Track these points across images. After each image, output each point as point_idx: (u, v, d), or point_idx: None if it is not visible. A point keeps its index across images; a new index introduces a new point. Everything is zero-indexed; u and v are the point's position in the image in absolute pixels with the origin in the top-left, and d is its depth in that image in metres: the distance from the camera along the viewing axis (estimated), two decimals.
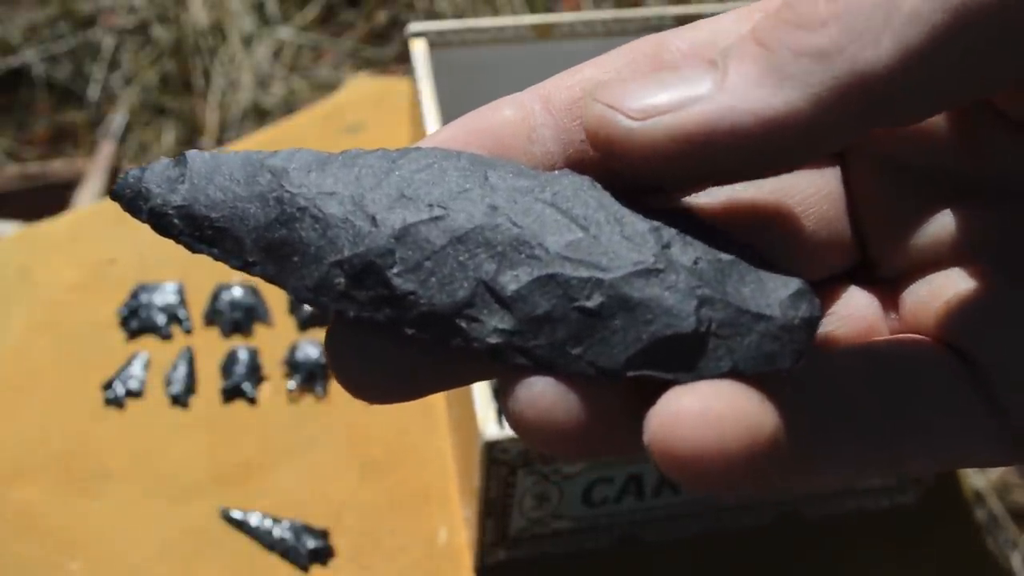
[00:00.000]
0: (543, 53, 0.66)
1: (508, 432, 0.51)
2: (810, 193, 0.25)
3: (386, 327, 0.21)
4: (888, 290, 0.26)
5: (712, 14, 0.69)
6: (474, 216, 0.21)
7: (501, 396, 0.21)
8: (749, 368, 0.20)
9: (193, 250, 0.22)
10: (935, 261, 0.25)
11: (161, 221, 0.22)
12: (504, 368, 0.21)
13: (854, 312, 0.25)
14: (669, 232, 0.21)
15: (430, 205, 0.21)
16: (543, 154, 0.23)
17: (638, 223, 0.21)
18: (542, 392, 0.20)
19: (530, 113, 0.23)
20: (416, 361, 0.21)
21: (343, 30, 1.57)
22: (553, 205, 0.21)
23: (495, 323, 0.20)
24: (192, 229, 0.22)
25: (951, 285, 0.24)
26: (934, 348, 0.23)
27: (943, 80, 0.20)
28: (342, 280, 0.21)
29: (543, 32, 0.66)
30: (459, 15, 1.53)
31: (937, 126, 0.24)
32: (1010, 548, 1.07)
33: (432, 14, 1.55)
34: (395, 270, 0.21)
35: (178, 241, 0.22)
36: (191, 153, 0.23)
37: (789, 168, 0.22)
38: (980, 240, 0.24)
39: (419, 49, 0.64)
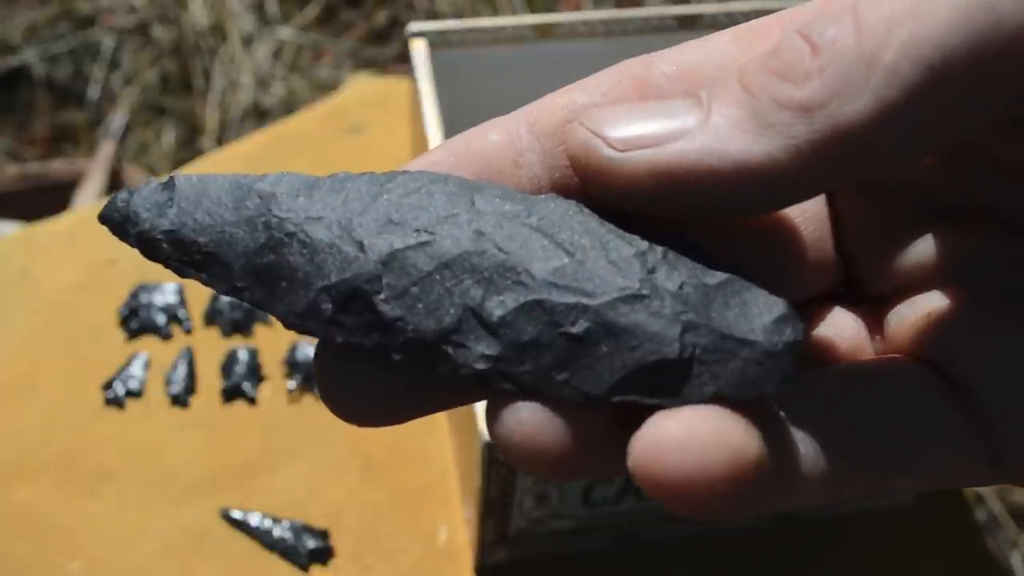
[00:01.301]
0: (543, 53, 0.66)
1: None
2: (794, 213, 0.25)
3: (373, 352, 0.21)
4: (873, 311, 0.26)
5: (712, 14, 0.70)
6: (460, 241, 0.21)
7: (488, 421, 0.21)
8: (733, 393, 0.20)
9: (182, 275, 0.22)
10: (919, 283, 0.25)
11: (150, 246, 0.22)
12: (491, 393, 0.21)
13: (839, 333, 0.25)
14: (654, 256, 0.21)
15: (417, 230, 0.21)
16: (530, 179, 0.23)
17: (623, 248, 0.21)
18: (528, 417, 0.21)
19: (516, 137, 0.24)
20: (403, 385, 0.22)
21: (343, 30, 1.57)
22: (539, 230, 0.21)
23: (481, 349, 0.20)
24: (180, 254, 0.22)
25: (935, 307, 0.24)
26: (918, 369, 0.24)
27: (919, 133, 0.20)
28: (329, 306, 0.21)
29: (543, 32, 0.66)
30: (459, 15, 1.53)
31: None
32: (1010, 548, 1.07)
33: (432, 14, 1.55)
34: (382, 296, 0.21)
35: (166, 266, 0.22)
36: (179, 176, 0.23)
37: (764, 213, 0.23)
38: (963, 264, 0.24)
39: (419, 49, 0.64)
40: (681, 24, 0.66)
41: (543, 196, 0.22)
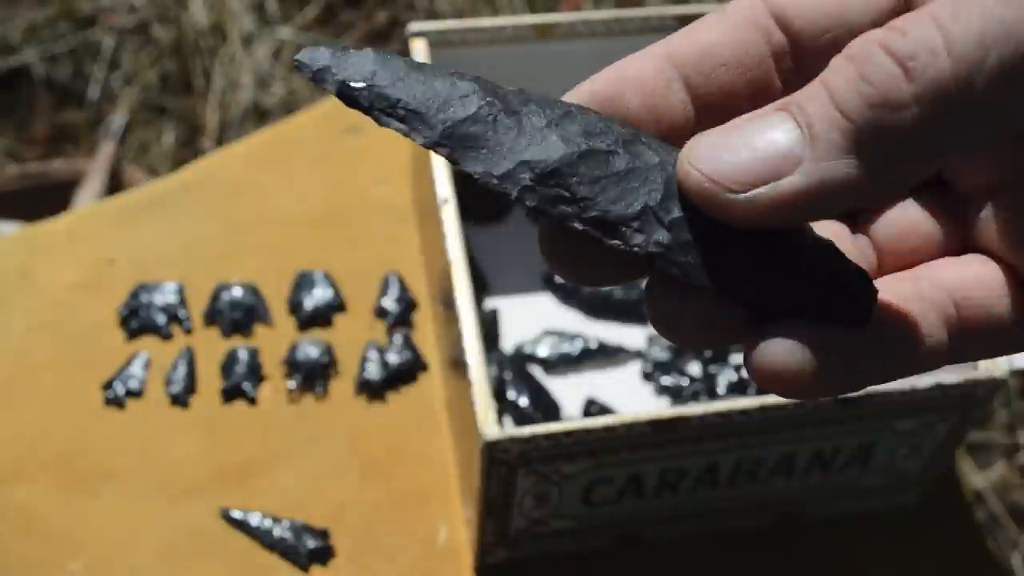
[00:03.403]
0: (543, 53, 0.66)
1: (508, 432, 0.51)
2: None
3: (558, 219, 0.24)
4: (961, 210, 0.28)
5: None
6: (649, 158, 0.25)
7: (743, 354, 0.25)
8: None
9: (380, 123, 0.24)
10: (1012, 182, 0.26)
11: (348, 94, 0.24)
12: (652, 272, 0.25)
13: (908, 225, 0.28)
14: None
15: (609, 143, 0.25)
16: (680, 102, 0.26)
17: None
18: (776, 349, 0.24)
19: (662, 67, 0.27)
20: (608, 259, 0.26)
21: (343, 30, 1.57)
22: None
23: (656, 237, 0.24)
24: (385, 105, 0.24)
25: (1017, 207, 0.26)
26: (1001, 271, 0.26)
27: (1005, 144, 0.23)
28: (527, 175, 0.24)
29: (543, 32, 0.66)
30: (459, 15, 1.53)
31: None
32: (1010, 548, 1.07)
33: (432, 14, 1.55)
34: (576, 179, 0.24)
35: (367, 114, 0.24)
36: (382, 53, 0.25)
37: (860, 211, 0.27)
38: None
39: (419, 49, 0.64)
40: (681, 24, 0.66)
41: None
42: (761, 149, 0.23)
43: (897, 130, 0.21)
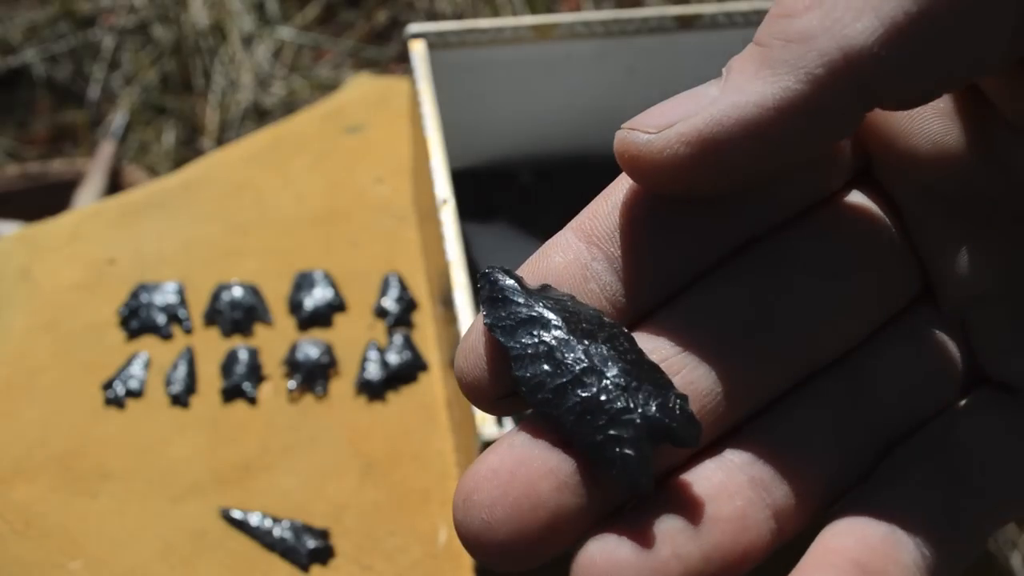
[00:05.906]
0: (543, 53, 0.66)
1: (505, 431, 0.51)
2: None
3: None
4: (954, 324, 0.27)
5: (711, 14, 0.69)
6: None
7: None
8: None
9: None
10: (992, 291, 0.26)
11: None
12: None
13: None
14: None
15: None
16: (601, 287, 0.25)
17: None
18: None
19: (578, 254, 0.25)
20: None
21: (343, 30, 1.57)
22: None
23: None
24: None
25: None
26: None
27: (925, 55, 0.21)
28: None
29: (543, 32, 0.66)
30: (459, 15, 1.53)
31: (961, 150, 0.25)
32: (1010, 548, 1.07)
33: (432, 14, 1.55)
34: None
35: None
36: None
37: (803, 157, 0.23)
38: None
39: (418, 50, 0.64)
40: (680, 24, 0.66)
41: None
42: (682, 98, 0.23)
43: (799, 34, 0.22)
